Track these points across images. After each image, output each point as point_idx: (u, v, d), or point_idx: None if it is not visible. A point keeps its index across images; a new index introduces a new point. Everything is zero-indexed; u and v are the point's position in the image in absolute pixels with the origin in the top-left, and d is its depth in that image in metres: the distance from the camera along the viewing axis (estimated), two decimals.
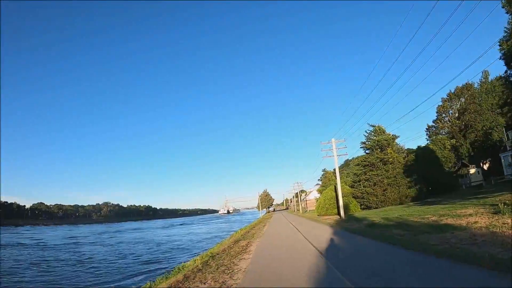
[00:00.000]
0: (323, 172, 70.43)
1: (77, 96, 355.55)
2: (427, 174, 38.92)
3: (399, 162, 37.37)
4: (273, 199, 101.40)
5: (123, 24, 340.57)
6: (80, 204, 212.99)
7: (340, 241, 13.24)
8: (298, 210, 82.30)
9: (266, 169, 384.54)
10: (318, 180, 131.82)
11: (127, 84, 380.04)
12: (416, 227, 13.86)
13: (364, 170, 37.42)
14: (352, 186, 38.83)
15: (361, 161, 39.33)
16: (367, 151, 40.74)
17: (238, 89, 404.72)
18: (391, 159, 37.14)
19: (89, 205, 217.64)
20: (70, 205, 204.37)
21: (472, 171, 44.08)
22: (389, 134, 39.79)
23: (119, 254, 30.63)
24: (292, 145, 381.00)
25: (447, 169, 42.17)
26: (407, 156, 41.35)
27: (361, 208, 36.36)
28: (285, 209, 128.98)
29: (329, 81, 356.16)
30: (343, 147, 29.19)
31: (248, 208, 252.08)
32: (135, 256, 28.21)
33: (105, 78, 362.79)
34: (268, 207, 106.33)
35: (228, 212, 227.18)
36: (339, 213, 34.48)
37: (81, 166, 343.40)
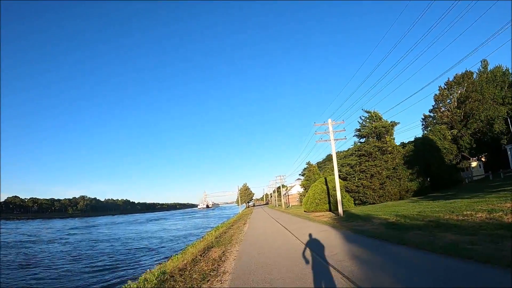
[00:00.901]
0: (306, 166, 65.42)
1: (51, 86, 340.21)
2: (428, 166, 34.45)
3: (398, 151, 32.56)
4: (253, 194, 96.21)
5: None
6: (56, 198, 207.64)
7: (375, 259, 7.63)
8: (280, 205, 77.30)
9: (246, 163, 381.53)
10: (300, 174, 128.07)
11: (103, 74, 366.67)
12: (476, 228, 8.77)
13: (359, 160, 32.40)
14: (345, 179, 33.76)
15: (356, 150, 34.28)
16: (361, 140, 35.80)
17: (217, 82, 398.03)
18: (390, 148, 32.28)
19: (65, 199, 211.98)
20: (46, 199, 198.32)
21: (474, 164, 40.12)
22: (386, 121, 34.91)
23: (74, 256, 26.44)
24: (272, 140, 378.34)
25: (448, 161, 37.90)
26: (404, 147, 36.71)
27: (354, 203, 31.36)
28: (265, 204, 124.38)
29: (314, 70, 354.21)
30: (341, 130, 23.88)
31: (227, 203, 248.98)
32: (91, 260, 23.95)
33: (79, 67, 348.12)
34: (248, 202, 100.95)
35: (208, 206, 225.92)
36: (330, 209, 29.39)
37: (59, 159, 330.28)
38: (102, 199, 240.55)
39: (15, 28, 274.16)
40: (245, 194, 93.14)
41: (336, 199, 29.79)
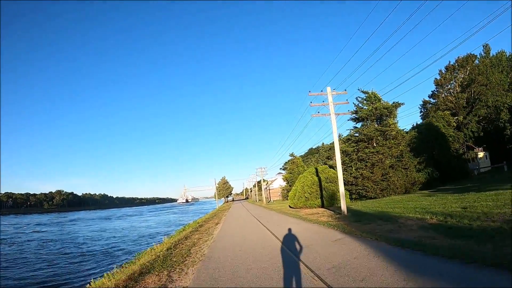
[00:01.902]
0: (289, 158, 59.80)
1: (24, 77, 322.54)
2: (434, 156, 29.42)
3: (403, 137, 27.23)
4: (232, 188, 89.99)
5: None
6: (32, 193, 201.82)
7: None
8: (261, 200, 71.67)
9: (226, 157, 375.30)
10: (281, 169, 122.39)
11: (76, 63, 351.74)
12: None
13: (356, 147, 26.85)
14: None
15: (352, 136, 28.68)
16: (357, 125, 30.26)
17: (195, 73, 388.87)
18: (394, 132, 26.87)
19: (41, 193, 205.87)
20: (21, 194, 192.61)
21: (481, 154, 35.52)
22: (387, 102, 29.49)
23: (7, 260, 22.08)
24: (252, 133, 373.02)
25: (453, 151, 33.06)
26: (406, 133, 31.50)
27: (350, 198, 25.89)
28: (245, 199, 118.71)
29: (299, 51, 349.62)
30: (343, 103, 18.15)
31: (207, 198, 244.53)
32: (23, 267, 19.15)
33: (53, 56, 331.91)
34: (227, 197, 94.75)
35: (187, 201, 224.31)
36: (323, 205, 23.75)
37: (34, 153, 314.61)
38: (79, 194, 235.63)
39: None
40: (224, 188, 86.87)
41: (330, 193, 24.23)
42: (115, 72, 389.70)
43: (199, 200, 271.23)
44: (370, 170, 25.38)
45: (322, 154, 68.96)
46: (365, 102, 29.85)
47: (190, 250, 9.55)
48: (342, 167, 28.01)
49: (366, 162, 25.48)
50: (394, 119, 28.24)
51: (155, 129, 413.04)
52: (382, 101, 29.57)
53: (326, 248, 7.79)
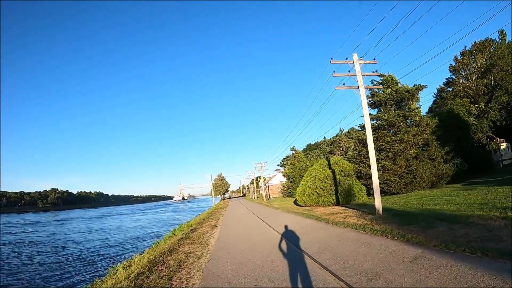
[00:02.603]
0: (291, 153, 56.16)
1: (20, 74, 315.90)
2: (458, 146, 26.04)
3: (427, 124, 23.69)
4: (229, 185, 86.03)
5: None
6: (26, 191, 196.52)
7: None
8: (259, 197, 68.12)
9: (222, 154, 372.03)
10: (279, 165, 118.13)
11: (72, 59, 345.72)
12: None
13: (375, 135, 23.26)
14: (354, 161, 24.64)
15: (371, 121, 25.01)
16: (373, 112, 26.69)
17: (189, 68, 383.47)
18: (417, 118, 23.37)
19: (35, 192, 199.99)
20: (15, 192, 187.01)
21: (503, 145, 32.20)
22: (406, 85, 25.94)
23: None
24: (249, 130, 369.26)
25: (475, 141, 29.72)
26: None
27: (368, 194, 22.38)
28: (242, 196, 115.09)
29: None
30: (373, 74, 14.68)
31: (203, 195, 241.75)
32: None
33: (46, 52, 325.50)
34: (223, 194, 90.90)
35: (183, 198, 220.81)
36: (338, 202, 20.20)
37: (29, 150, 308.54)
38: (75, 192, 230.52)
39: None
40: (220, 185, 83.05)
41: (346, 188, 20.65)
42: (110, 70, 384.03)
43: (196, 197, 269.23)
44: (392, 161, 21.82)
45: (323, 148, 65.64)
46: (381, 86, 26.27)
47: (172, 278, 5.92)
48: (357, 159, 24.55)
49: (388, 152, 21.90)
50: (416, 103, 24.69)
51: (151, 126, 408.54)
52: (400, 84, 26.05)
53: (411, 277, 4.23)
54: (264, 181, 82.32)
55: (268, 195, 60.58)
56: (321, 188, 20.45)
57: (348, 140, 64.24)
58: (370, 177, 22.55)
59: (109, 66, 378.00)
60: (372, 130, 23.82)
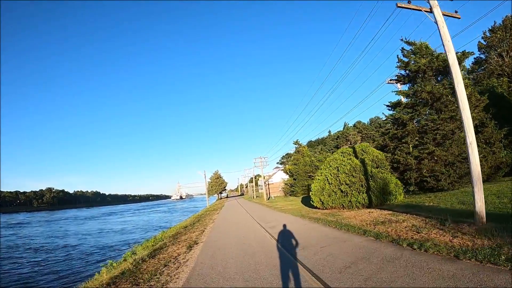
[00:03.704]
0: (295, 146, 50.49)
1: (16, 73, 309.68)
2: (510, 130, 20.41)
3: (478, 99, 18.10)
4: (226, 183, 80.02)
5: None
6: (22, 191, 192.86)
7: None
8: (259, 196, 62.51)
9: (220, 152, 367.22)
10: (278, 163, 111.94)
11: (72, 60, 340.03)
12: None
13: (411, 114, 17.62)
14: (384, 149, 18.98)
15: (407, 97, 19.31)
16: (403, 89, 21.11)
17: (185, 66, 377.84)
18: (468, 90, 17.73)
19: (31, 191, 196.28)
20: (9, 192, 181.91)
21: None
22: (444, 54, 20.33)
23: None
24: (247, 127, 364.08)
25: None
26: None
27: (406, 191, 16.83)
28: (240, 195, 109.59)
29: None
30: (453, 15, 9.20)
31: (201, 194, 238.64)
32: None
33: (45, 52, 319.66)
34: (220, 193, 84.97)
35: (181, 197, 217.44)
36: (371, 203, 14.61)
37: (25, 150, 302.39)
38: (71, 191, 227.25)
39: None
40: (217, 184, 77.22)
41: (380, 184, 15.04)
42: (108, 69, 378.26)
43: (194, 196, 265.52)
44: (441, 148, 16.16)
45: (328, 143, 60.07)
46: (412, 56, 20.61)
47: None
48: (388, 145, 18.87)
49: (435, 134, 16.24)
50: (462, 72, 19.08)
51: (150, 125, 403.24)
52: (436, 53, 20.44)
53: None
54: (263, 179, 76.87)
55: (268, 194, 54.98)
56: (346, 184, 14.81)
57: (356, 134, 58.79)
58: (409, 169, 17.02)
59: (106, 66, 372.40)
60: (409, 108, 18.33)
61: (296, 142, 49.21)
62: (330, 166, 16.17)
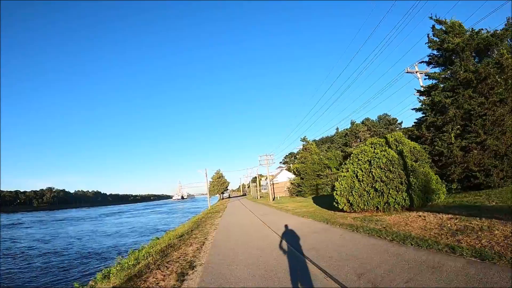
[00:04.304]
0: (303, 143, 47.64)
1: (18, 73, 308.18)
2: None
3: None
4: (228, 183, 76.80)
5: None
6: (22, 190, 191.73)
7: None
8: (262, 196, 59.72)
9: (221, 151, 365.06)
10: (281, 163, 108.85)
11: (73, 60, 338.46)
12: None
13: (455, 97, 14.70)
14: (419, 139, 16.09)
15: (444, 78, 16.41)
16: (434, 70, 18.27)
17: (187, 65, 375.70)
18: None
19: (31, 191, 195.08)
20: (9, 191, 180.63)
21: None
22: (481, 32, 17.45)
23: None
24: (251, 127, 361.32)
25: None
26: None
27: (449, 189, 13.92)
28: (242, 195, 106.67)
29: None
30: None
31: (203, 194, 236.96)
32: None
33: (49, 52, 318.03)
34: (222, 193, 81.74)
35: (182, 197, 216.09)
36: (412, 204, 11.73)
37: (24, 149, 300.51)
38: (72, 191, 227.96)
39: None
40: (219, 183, 74.15)
41: (422, 180, 12.09)
42: (109, 69, 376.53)
43: (195, 196, 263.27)
44: (494, 134, 13.27)
45: (337, 141, 56.95)
46: (445, 35, 17.76)
47: None
48: (427, 135, 15.95)
49: (484, 120, 13.38)
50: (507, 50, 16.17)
51: (151, 124, 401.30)
52: (467, 33, 17.59)
53: None
54: (265, 180, 73.84)
55: (273, 195, 52.17)
56: (382, 181, 11.93)
57: (365, 131, 55.78)
58: (452, 162, 14.14)
59: (106, 65, 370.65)
60: (448, 91, 15.44)
61: (303, 139, 46.42)
62: (359, 160, 13.28)
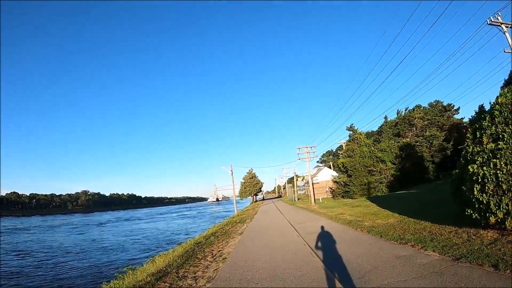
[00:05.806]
0: (350, 133, 39.13)
1: (52, 81, 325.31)
2: None
3: None
4: (262, 183, 68.98)
5: None
6: (57, 194, 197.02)
7: None
8: (301, 198, 51.67)
9: (256, 154, 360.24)
10: (318, 162, 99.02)
11: (104, 67, 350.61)
12: None
13: None
14: None
15: None
16: None
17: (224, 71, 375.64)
18: None
19: (66, 194, 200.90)
20: (44, 195, 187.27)
21: None
22: None
23: None
24: (283, 128, 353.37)
25: None
26: None
27: None
28: (278, 197, 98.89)
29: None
30: None
31: (237, 196, 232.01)
32: None
33: (74, 60, 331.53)
34: (256, 194, 74.25)
35: (217, 200, 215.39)
36: None
37: (62, 154, 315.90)
38: (107, 194, 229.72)
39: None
40: (251, 184, 66.87)
41: None
42: (137, 71, 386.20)
43: (230, 198, 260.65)
44: None
45: (386, 132, 47.59)
46: None
47: None
48: None
49: None
50: None
51: (189, 127, 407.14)
52: None
53: None
54: (303, 180, 65.29)
55: (314, 196, 43.93)
56: None
57: (420, 118, 46.05)
58: None
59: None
60: None
61: (350, 128, 37.85)
62: None
